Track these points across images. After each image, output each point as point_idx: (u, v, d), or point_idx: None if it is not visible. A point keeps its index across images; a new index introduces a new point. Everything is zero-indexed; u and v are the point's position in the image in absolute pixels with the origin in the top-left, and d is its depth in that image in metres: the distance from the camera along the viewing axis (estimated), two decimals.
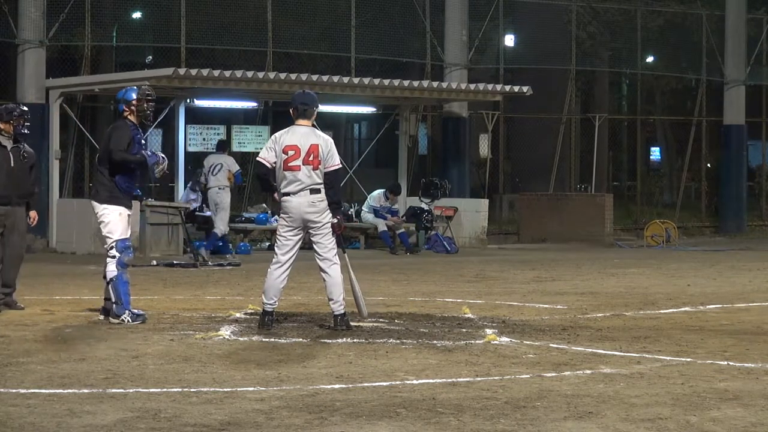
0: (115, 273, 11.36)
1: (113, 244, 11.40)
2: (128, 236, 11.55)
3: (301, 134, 10.90)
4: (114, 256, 11.38)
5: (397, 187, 24.19)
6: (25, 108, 12.65)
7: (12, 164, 12.28)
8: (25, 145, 12.49)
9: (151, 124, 12.53)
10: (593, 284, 16.39)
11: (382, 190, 23.81)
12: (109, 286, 11.38)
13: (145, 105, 11.68)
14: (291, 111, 11.08)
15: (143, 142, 11.75)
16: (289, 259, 10.94)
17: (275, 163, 10.86)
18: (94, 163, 12.25)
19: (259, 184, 11.56)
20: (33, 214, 12.52)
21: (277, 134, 11.08)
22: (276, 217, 19.88)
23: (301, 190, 10.79)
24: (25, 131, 12.35)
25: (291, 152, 10.79)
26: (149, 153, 11.76)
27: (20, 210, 12.41)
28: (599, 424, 6.85)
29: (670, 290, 15.40)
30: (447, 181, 24.99)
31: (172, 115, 23.15)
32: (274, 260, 11.01)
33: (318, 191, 10.82)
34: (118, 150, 11.42)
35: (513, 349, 9.80)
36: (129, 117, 11.66)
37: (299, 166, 10.77)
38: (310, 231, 10.89)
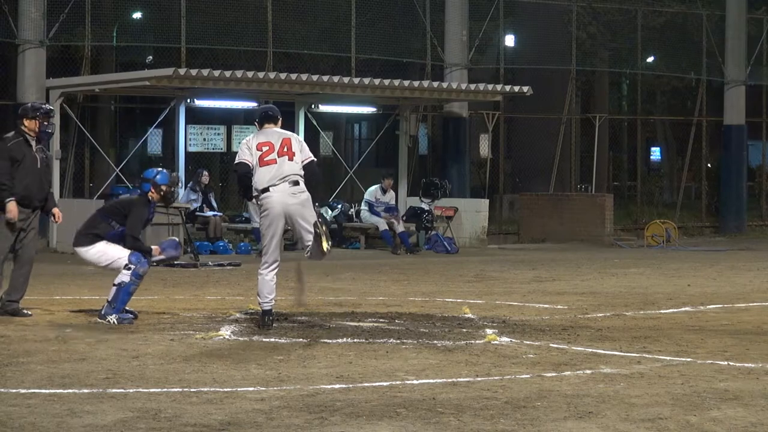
0: (126, 280, 11.38)
1: (126, 263, 11.39)
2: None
3: (271, 133, 11.14)
4: (130, 269, 11.39)
5: (388, 174, 24.24)
6: (51, 107, 12.38)
7: (38, 165, 11.90)
8: (42, 146, 12.13)
9: (167, 210, 12.63)
10: (593, 284, 16.38)
11: (377, 185, 23.83)
12: (114, 288, 11.40)
13: (173, 192, 11.81)
14: (256, 123, 11.29)
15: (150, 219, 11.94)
16: (276, 259, 11.02)
17: (252, 161, 11.02)
18: (96, 212, 12.08)
19: (239, 188, 11.62)
20: (56, 211, 12.08)
21: (246, 138, 11.35)
22: None
23: (281, 180, 10.90)
24: (50, 131, 12.04)
25: (265, 148, 10.98)
26: (174, 248, 11.91)
27: (36, 217, 12.02)
28: (599, 424, 6.85)
29: (670, 290, 15.39)
30: (447, 181, 24.98)
31: (172, 115, 23.15)
32: (262, 262, 11.08)
33: (297, 183, 10.94)
34: (131, 236, 11.52)
35: (513, 349, 9.80)
36: (151, 197, 11.75)
37: (275, 159, 10.95)
38: (300, 223, 10.91)
